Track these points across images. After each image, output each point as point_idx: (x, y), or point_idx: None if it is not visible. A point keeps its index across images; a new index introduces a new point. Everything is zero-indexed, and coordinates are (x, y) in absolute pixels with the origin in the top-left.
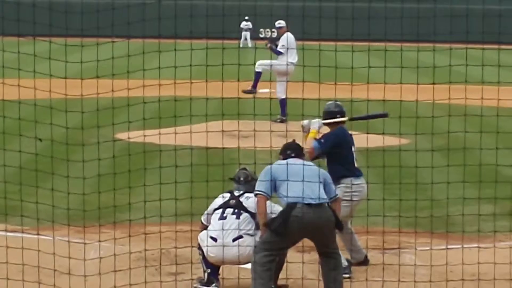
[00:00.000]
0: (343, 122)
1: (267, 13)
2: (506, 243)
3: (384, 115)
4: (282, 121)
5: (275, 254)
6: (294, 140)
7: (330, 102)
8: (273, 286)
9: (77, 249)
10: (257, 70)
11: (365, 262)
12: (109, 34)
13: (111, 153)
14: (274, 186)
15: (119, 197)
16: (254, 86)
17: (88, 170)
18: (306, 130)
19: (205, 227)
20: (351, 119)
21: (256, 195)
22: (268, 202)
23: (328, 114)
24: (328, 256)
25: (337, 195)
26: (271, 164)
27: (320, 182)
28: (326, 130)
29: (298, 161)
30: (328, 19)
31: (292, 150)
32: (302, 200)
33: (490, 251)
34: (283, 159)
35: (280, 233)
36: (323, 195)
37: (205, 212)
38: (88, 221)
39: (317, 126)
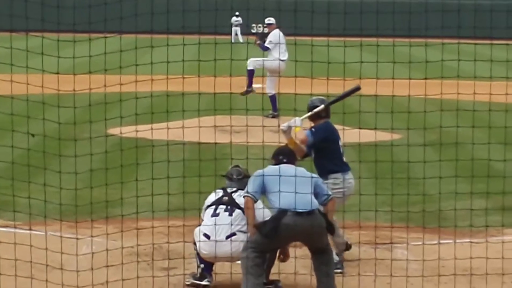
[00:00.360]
0: (326, 116)
1: (259, 8)
2: (498, 238)
3: (356, 89)
4: (274, 117)
5: (264, 253)
6: (286, 145)
7: (314, 98)
8: (264, 281)
9: (69, 244)
10: (249, 68)
11: (347, 248)
12: (101, 29)
13: (104, 148)
14: (264, 191)
15: (111, 192)
16: (249, 85)
17: (81, 165)
18: (288, 133)
19: None
20: (327, 105)
21: (244, 196)
22: (260, 204)
23: (312, 109)
24: (319, 251)
25: (330, 195)
26: (263, 159)
27: (312, 188)
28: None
29: (290, 167)
30: (320, 14)
31: (284, 155)
32: (292, 208)
33: (482, 246)
34: (275, 164)
35: (270, 238)
36: (314, 202)
37: (203, 208)
38: (80, 216)
39: (299, 124)
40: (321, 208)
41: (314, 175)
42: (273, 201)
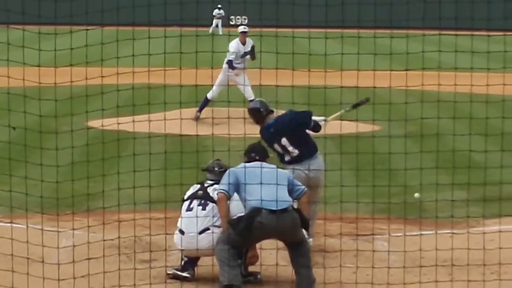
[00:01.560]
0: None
1: (240, 0)
2: (479, 229)
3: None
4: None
5: (237, 247)
6: (259, 142)
7: (255, 101)
8: (244, 273)
9: (50, 237)
10: (251, 98)
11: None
12: (83, 22)
13: (85, 141)
14: (237, 189)
15: (93, 185)
16: None
17: (62, 158)
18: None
19: None
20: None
21: (218, 193)
22: (237, 197)
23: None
24: (295, 244)
25: (305, 189)
26: (244, 151)
27: (286, 185)
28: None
29: (263, 164)
30: (302, 6)
31: (256, 153)
32: (266, 206)
33: (463, 237)
34: (247, 161)
35: (244, 236)
36: (288, 199)
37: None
38: (61, 209)
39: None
40: (295, 204)
41: (285, 171)
42: (247, 199)
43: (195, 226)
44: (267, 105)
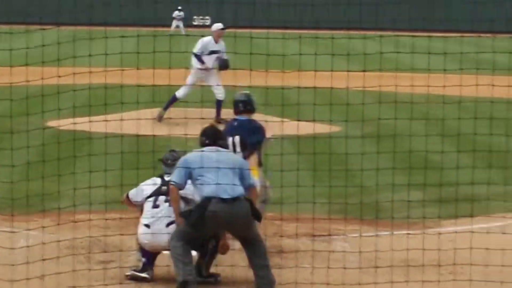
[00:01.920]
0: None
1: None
2: (435, 229)
3: None
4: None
5: (192, 241)
6: (212, 125)
7: (238, 93)
8: (205, 274)
9: (5, 238)
10: (223, 99)
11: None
12: (39, 21)
13: (41, 141)
14: (189, 176)
15: (48, 185)
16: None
17: (17, 158)
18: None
19: (129, 202)
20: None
21: (169, 185)
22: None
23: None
24: (250, 244)
25: (254, 184)
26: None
27: (237, 173)
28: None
29: (215, 149)
30: (261, 5)
31: (207, 136)
32: (217, 194)
33: (419, 238)
34: (201, 146)
35: (197, 227)
36: (240, 188)
37: (135, 189)
38: (16, 209)
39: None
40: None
41: (239, 158)
42: (198, 188)
43: (162, 221)
44: (251, 102)
